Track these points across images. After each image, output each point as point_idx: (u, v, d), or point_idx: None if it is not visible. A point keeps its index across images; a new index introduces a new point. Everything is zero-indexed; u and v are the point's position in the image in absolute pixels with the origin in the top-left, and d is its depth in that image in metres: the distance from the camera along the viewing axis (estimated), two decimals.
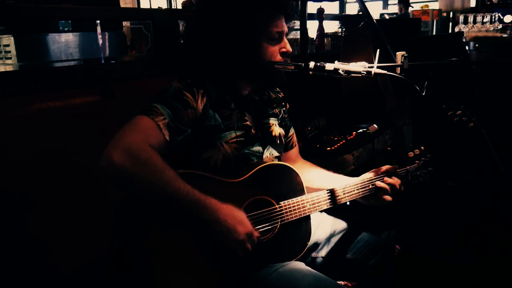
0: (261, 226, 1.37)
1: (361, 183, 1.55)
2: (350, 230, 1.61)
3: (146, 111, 1.27)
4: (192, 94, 1.34)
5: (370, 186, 1.55)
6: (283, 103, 1.70)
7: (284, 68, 1.41)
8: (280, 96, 1.70)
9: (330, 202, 1.50)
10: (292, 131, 1.74)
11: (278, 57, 1.43)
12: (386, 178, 1.55)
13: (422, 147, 1.68)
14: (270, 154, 1.55)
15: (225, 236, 1.25)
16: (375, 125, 2.64)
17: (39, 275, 1.44)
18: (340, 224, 1.64)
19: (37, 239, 1.44)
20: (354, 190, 1.54)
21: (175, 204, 1.21)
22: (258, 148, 1.50)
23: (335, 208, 1.58)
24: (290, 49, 1.45)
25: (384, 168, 1.59)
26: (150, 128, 1.24)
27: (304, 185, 1.50)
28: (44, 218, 1.46)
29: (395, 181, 1.55)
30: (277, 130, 1.61)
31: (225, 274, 1.31)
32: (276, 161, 1.53)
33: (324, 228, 1.63)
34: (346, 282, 1.59)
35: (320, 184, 1.59)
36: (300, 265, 1.41)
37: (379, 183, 1.54)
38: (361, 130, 2.60)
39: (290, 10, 1.45)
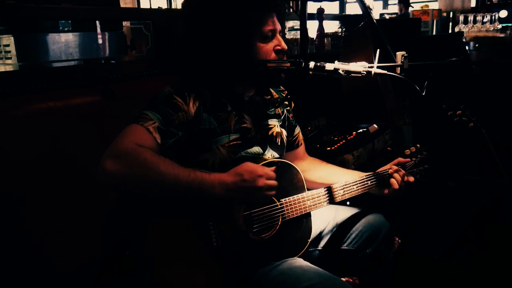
0: (262, 224, 1.38)
1: (360, 180, 1.56)
2: (345, 221, 1.62)
3: (136, 119, 1.28)
4: (182, 98, 1.34)
5: (369, 182, 1.56)
6: (286, 102, 1.68)
7: (278, 66, 1.39)
8: (284, 94, 1.68)
9: (330, 199, 1.51)
10: (297, 130, 1.74)
11: (273, 55, 1.41)
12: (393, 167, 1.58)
13: (418, 145, 1.69)
14: (271, 155, 1.55)
15: (246, 194, 1.28)
16: (375, 125, 2.64)
17: (37, 275, 1.44)
18: (333, 216, 1.65)
19: (37, 239, 1.44)
20: (352, 187, 1.54)
21: (179, 189, 1.22)
22: (257, 150, 1.49)
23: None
24: (285, 47, 1.43)
25: (390, 164, 1.61)
26: (140, 133, 1.25)
27: (318, 182, 1.51)
28: (43, 218, 1.46)
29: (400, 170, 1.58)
30: (278, 131, 1.60)
31: (227, 272, 1.31)
32: (271, 158, 1.53)
33: (319, 221, 1.63)
34: (347, 278, 1.59)
35: (335, 180, 1.58)
36: (299, 261, 1.41)
37: (393, 171, 1.56)
38: (361, 130, 2.60)
39: (281, 7, 1.44)
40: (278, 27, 1.43)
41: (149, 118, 1.27)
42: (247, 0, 1.36)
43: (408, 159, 1.62)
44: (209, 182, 1.24)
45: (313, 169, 1.67)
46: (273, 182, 1.32)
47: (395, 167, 1.58)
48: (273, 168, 1.35)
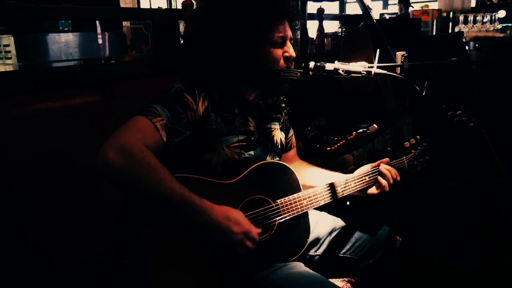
0: (258, 226, 1.36)
1: (358, 176, 1.55)
2: (349, 229, 1.61)
3: (144, 112, 1.26)
4: (193, 97, 1.34)
5: (367, 178, 1.55)
6: (283, 105, 1.70)
7: (290, 76, 1.40)
8: (282, 98, 1.70)
9: (327, 197, 1.50)
10: (291, 132, 1.75)
11: (281, 62, 1.43)
12: (382, 165, 1.56)
13: (418, 136, 1.69)
14: (271, 158, 1.55)
15: (222, 237, 1.25)
16: (375, 125, 2.64)
17: (37, 275, 1.44)
18: (339, 222, 1.64)
19: (36, 240, 1.44)
20: (350, 184, 1.54)
21: (168, 205, 1.21)
22: (259, 153, 1.50)
23: (335, 207, 1.58)
24: (294, 54, 1.44)
25: (379, 161, 1.60)
26: (147, 128, 1.24)
27: (301, 183, 1.50)
28: (43, 219, 1.46)
29: (390, 168, 1.56)
30: (278, 135, 1.61)
31: (224, 276, 1.31)
32: (270, 160, 1.53)
33: (323, 226, 1.63)
34: (349, 278, 1.59)
35: (317, 183, 1.58)
36: (298, 266, 1.40)
37: (382, 168, 1.54)
38: (361, 130, 2.60)
39: (293, 15, 1.44)
40: (289, 34, 1.44)
41: (157, 114, 1.26)
42: (259, 6, 1.37)
43: (387, 159, 1.60)
44: (198, 209, 1.22)
45: (299, 172, 1.64)
46: (249, 244, 1.28)
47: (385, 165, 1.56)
48: (259, 230, 1.31)
